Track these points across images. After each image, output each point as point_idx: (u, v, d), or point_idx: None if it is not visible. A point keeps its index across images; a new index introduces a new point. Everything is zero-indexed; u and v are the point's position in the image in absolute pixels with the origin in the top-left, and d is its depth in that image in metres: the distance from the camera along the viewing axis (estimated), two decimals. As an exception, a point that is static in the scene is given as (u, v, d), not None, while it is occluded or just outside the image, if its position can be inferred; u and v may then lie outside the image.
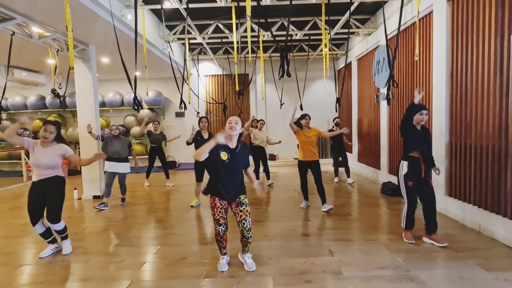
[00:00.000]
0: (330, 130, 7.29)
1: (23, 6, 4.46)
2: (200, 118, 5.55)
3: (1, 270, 3.33)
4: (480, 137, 3.98)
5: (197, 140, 5.41)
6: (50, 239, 3.69)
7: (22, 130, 10.81)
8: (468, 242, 3.70)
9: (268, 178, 7.51)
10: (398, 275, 2.94)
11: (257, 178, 6.40)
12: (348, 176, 7.50)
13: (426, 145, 3.68)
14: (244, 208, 3.00)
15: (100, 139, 5.79)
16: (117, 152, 5.64)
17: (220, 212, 2.97)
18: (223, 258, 3.23)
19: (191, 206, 5.59)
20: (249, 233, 3.00)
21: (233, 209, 3.05)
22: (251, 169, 3.20)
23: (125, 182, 5.89)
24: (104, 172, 5.75)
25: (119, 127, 10.36)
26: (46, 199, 3.50)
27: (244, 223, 2.97)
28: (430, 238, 3.70)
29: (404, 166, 3.69)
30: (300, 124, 5.13)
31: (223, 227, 2.99)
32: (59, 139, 3.58)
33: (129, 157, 5.88)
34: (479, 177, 4.02)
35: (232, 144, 3.00)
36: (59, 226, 3.60)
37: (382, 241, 3.77)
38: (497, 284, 2.76)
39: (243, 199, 3.03)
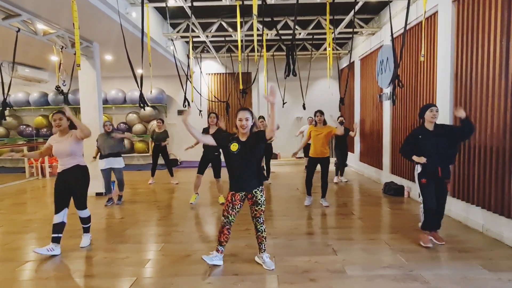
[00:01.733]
0: None
1: (30, 3, 4.46)
2: (209, 114, 5.66)
3: (7, 266, 3.35)
4: (485, 137, 3.98)
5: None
6: (56, 235, 3.61)
7: (24, 126, 10.87)
8: (471, 242, 3.71)
9: (267, 176, 7.50)
10: (402, 275, 2.95)
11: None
12: (341, 174, 7.54)
13: (440, 148, 3.50)
14: (259, 208, 3.14)
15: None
16: (111, 146, 5.54)
17: (228, 206, 3.09)
18: (212, 252, 3.20)
19: (191, 203, 5.59)
20: (262, 226, 3.19)
21: (250, 205, 3.17)
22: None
23: (123, 179, 5.81)
24: (101, 170, 5.64)
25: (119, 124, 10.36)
26: (71, 189, 3.62)
27: (258, 219, 3.18)
28: (430, 234, 3.69)
29: (418, 166, 3.63)
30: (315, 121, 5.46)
31: (226, 219, 3.10)
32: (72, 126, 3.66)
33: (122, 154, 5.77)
34: (483, 178, 4.02)
35: (244, 138, 3.07)
36: (85, 213, 3.79)
37: (385, 241, 3.78)
38: (500, 285, 2.78)
39: (259, 199, 3.10)
